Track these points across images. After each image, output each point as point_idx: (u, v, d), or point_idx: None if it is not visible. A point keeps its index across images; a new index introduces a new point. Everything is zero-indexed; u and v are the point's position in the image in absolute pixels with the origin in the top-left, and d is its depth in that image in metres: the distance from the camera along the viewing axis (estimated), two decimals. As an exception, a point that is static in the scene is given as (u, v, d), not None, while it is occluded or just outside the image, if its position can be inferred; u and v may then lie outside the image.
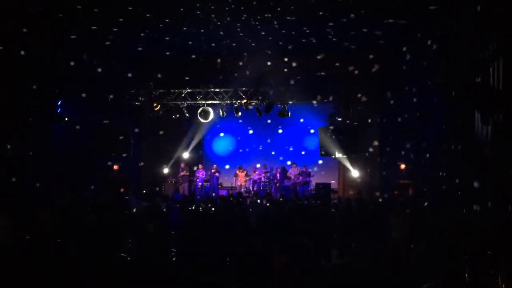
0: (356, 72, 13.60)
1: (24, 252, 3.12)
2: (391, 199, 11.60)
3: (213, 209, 9.21)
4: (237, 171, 16.83)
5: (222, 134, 18.69)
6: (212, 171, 16.52)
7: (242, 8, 10.01)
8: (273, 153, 18.11)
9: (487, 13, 7.78)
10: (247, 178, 16.81)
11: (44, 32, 10.56)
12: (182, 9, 10.12)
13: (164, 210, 9.22)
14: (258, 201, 10.64)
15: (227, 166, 17.83)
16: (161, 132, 16.16)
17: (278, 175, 16.47)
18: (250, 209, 9.67)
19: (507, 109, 7.42)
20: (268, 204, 10.22)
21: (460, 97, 9.40)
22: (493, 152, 7.83)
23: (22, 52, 10.21)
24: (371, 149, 14.22)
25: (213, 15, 10.44)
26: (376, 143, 14.24)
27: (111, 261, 3.31)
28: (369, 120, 14.20)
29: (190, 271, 4.35)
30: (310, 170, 16.08)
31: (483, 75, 8.32)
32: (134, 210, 9.08)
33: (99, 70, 12.51)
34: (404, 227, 4.80)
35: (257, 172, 16.80)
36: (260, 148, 18.16)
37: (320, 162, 16.70)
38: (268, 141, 18.10)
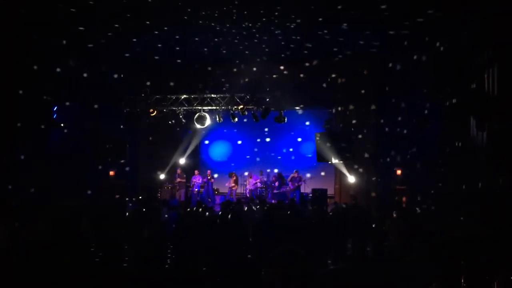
0: (353, 78, 13.66)
1: (20, 257, 3.11)
2: (388, 205, 11.61)
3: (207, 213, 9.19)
4: (230, 178, 16.80)
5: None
6: (208, 177, 16.47)
7: (240, 15, 10.04)
8: (258, 159, 18.09)
9: (483, 20, 7.85)
10: (244, 182, 16.83)
11: (40, 38, 10.56)
12: (179, 16, 10.14)
13: (160, 215, 9.20)
14: (254, 208, 10.60)
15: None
16: (157, 138, 16.13)
17: (276, 182, 16.43)
18: (246, 215, 9.66)
19: (502, 115, 7.47)
20: (264, 208, 10.19)
21: (455, 103, 9.46)
22: (489, 158, 7.87)
23: (19, 59, 10.20)
24: (367, 155, 14.24)
25: (210, 22, 10.46)
26: (372, 149, 14.26)
27: (107, 265, 3.30)
28: (365, 126, 14.23)
29: (184, 277, 4.33)
30: (301, 175, 16.05)
31: (478, 82, 8.38)
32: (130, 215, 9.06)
33: (96, 76, 12.50)
34: (401, 233, 4.81)
35: (252, 178, 16.77)
36: (257, 159, 18.14)
37: (316, 168, 16.73)
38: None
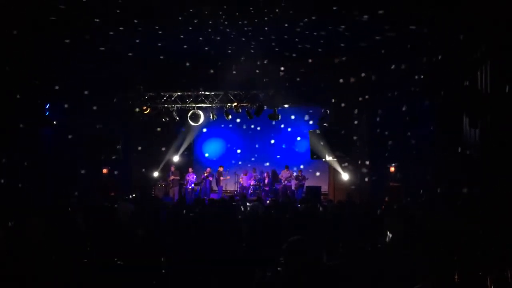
0: (347, 76, 13.68)
1: (15, 258, 3.09)
2: (383, 203, 11.66)
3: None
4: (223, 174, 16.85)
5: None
6: (205, 174, 16.43)
7: (234, 12, 10.02)
8: (255, 156, 18.07)
9: (476, 17, 7.88)
10: (237, 180, 16.86)
11: (32, 35, 10.47)
12: (173, 13, 10.09)
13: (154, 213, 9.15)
14: (254, 207, 10.59)
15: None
16: (151, 135, 16.07)
17: (267, 179, 16.47)
18: (245, 214, 9.67)
19: (495, 113, 7.51)
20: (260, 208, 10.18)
21: (448, 100, 9.50)
22: (481, 155, 7.92)
23: (10, 56, 10.11)
24: (361, 152, 14.28)
25: (204, 19, 10.42)
26: (366, 146, 14.30)
27: (101, 265, 3.28)
28: (359, 123, 14.27)
29: (179, 276, 4.33)
30: (304, 175, 16.09)
31: (471, 79, 8.42)
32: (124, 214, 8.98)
33: (88, 73, 12.41)
34: (397, 230, 4.83)
35: (246, 176, 16.76)
36: (249, 158, 18.13)
37: (310, 166, 16.79)
38: (257, 146, 18.15)
